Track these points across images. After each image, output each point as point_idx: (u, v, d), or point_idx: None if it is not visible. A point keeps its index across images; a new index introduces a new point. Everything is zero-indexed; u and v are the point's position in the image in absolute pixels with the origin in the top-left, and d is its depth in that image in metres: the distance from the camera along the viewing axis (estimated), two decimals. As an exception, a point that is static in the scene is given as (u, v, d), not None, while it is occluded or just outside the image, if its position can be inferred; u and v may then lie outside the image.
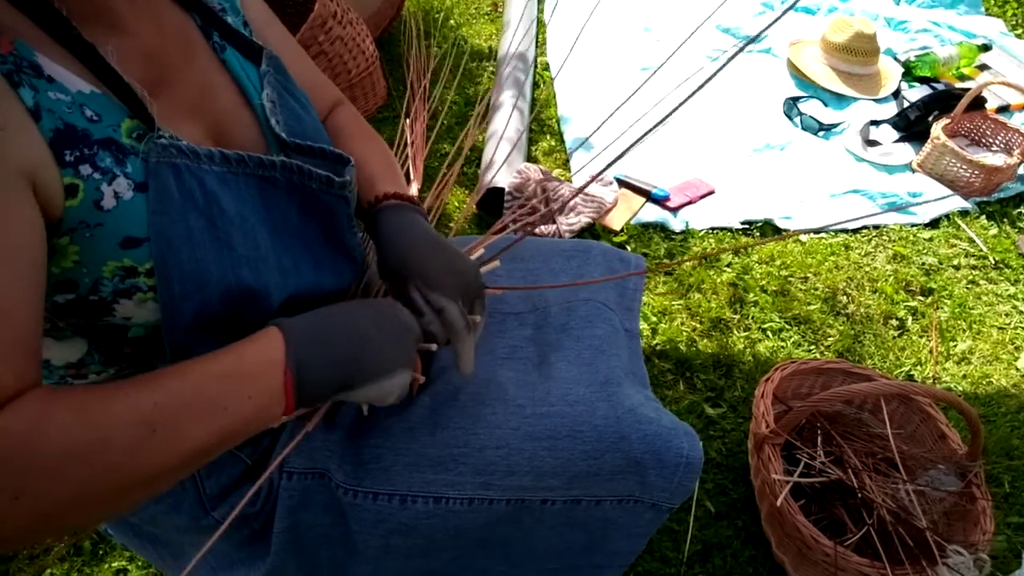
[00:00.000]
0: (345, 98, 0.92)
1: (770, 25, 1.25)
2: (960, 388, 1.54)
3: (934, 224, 1.91)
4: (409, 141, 2.03)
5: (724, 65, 0.71)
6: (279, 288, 0.65)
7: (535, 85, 2.34)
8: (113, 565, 1.18)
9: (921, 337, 1.63)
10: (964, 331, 1.64)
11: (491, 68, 2.41)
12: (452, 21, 2.66)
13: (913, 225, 1.90)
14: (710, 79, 1.09)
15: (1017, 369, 1.57)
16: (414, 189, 1.90)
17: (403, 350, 0.64)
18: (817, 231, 1.89)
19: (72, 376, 0.65)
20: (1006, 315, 1.69)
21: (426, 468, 0.74)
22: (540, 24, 2.64)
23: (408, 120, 2.08)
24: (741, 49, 0.69)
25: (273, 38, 0.80)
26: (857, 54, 2.32)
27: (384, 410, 0.77)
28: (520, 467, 0.74)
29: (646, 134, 1.24)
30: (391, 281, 0.74)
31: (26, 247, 0.50)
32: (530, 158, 2.06)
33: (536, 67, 2.43)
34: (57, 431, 0.48)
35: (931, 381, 1.55)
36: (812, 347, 1.61)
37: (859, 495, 1.21)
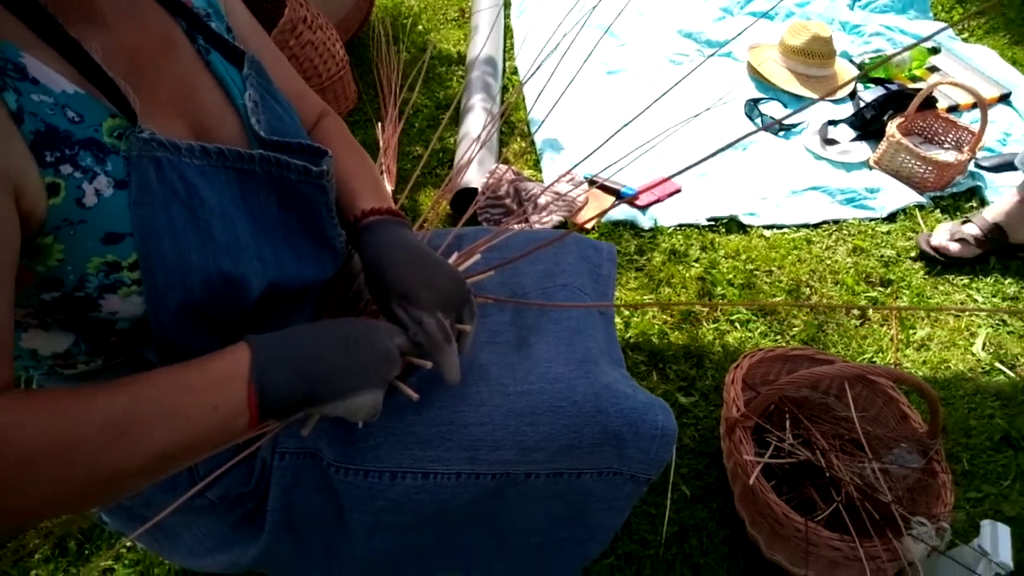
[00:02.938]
0: (331, 109, 0.94)
1: (739, 34, 1.31)
2: (920, 373, 1.60)
3: (891, 218, 1.98)
4: (381, 144, 2.06)
5: (693, 70, 0.76)
6: (259, 277, 0.67)
7: (504, 89, 2.38)
8: (100, 564, 1.18)
9: (882, 326, 1.69)
10: (922, 319, 1.71)
11: (460, 72, 2.44)
12: (420, 27, 2.69)
13: (871, 219, 1.97)
14: (677, 83, 1.14)
15: (973, 354, 1.64)
16: (388, 190, 1.93)
17: (374, 371, 0.65)
18: (780, 226, 1.95)
19: (60, 366, 0.66)
20: (961, 303, 1.76)
21: (414, 445, 0.76)
22: (508, 30, 2.68)
23: (380, 123, 2.11)
24: (711, 55, 0.72)
25: (256, 45, 0.82)
26: (814, 57, 2.40)
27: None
28: (504, 442, 0.77)
29: (615, 133, 1.29)
30: (376, 299, 0.76)
31: (3, 250, 0.52)
32: (501, 160, 2.10)
33: (505, 71, 2.47)
34: (31, 431, 0.50)
35: (893, 367, 1.61)
36: (778, 337, 1.66)
37: (827, 474, 1.26)
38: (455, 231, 1.01)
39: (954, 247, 1.81)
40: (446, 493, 0.77)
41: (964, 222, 1.84)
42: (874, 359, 1.62)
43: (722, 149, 0.71)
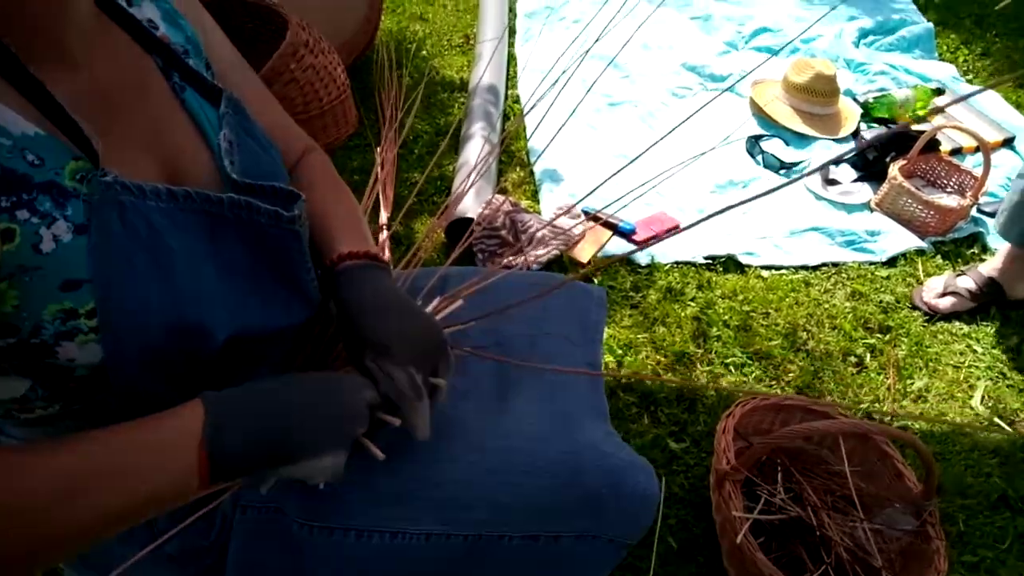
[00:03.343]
0: (317, 145, 0.92)
1: (748, 73, 1.29)
2: (916, 426, 1.57)
3: (891, 263, 1.96)
4: (379, 170, 2.03)
5: (699, 109, 0.72)
6: (223, 325, 0.65)
7: (505, 117, 2.37)
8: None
9: (879, 374, 1.66)
10: (920, 369, 1.68)
11: (462, 99, 2.43)
12: (424, 52, 2.68)
13: (871, 263, 1.95)
14: (682, 123, 1.12)
15: (971, 408, 1.61)
16: (383, 217, 1.91)
17: (336, 432, 0.63)
18: (778, 267, 1.92)
19: (17, 410, 0.64)
20: (960, 354, 1.73)
21: (382, 503, 0.73)
22: (511, 58, 2.68)
23: (379, 149, 2.09)
24: (718, 94, 0.70)
25: (239, 81, 0.80)
26: (818, 95, 2.39)
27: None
28: (477, 502, 0.74)
29: (619, 170, 1.26)
30: (347, 349, 0.73)
31: None
32: (500, 189, 2.08)
33: (507, 99, 2.46)
34: None
35: (889, 418, 1.58)
36: (773, 382, 1.63)
37: (818, 533, 1.22)
38: (441, 271, 0.98)
39: (945, 303, 1.79)
40: (415, 554, 0.74)
41: (959, 274, 1.81)
42: (870, 408, 1.59)
43: (732, 206, 0.68)
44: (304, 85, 1.97)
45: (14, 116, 0.54)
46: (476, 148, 2.01)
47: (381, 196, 1.92)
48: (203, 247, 0.65)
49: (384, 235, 1.83)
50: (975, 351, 1.74)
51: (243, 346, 0.69)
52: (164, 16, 0.70)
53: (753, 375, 1.64)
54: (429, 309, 0.87)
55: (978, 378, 1.67)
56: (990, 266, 1.78)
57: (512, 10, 2.97)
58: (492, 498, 0.74)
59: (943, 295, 1.79)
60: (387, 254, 1.76)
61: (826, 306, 1.82)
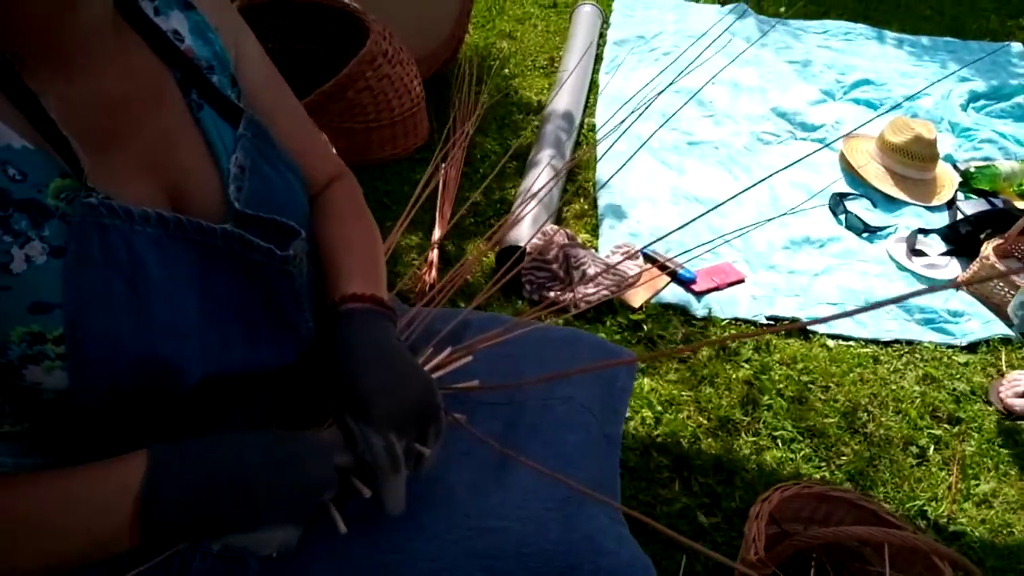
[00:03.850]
0: (348, 172, 0.88)
1: (844, 135, 1.19)
2: (976, 534, 1.42)
3: (972, 348, 1.80)
4: (440, 186, 2.01)
5: (787, 166, 0.63)
6: (198, 363, 0.60)
7: (577, 145, 2.31)
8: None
9: (941, 470, 1.52)
10: (989, 471, 1.53)
11: (537, 122, 2.38)
12: (507, 71, 2.65)
13: (949, 346, 1.80)
14: (765, 179, 1.03)
15: (1040, 519, 1.45)
16: (436, 235, 1.87)
17: (288, 507, 0.58)
18: (846, 338, 1.80)
19: None
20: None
21: (352, 571, 0.68)
22: (593, 85, 2.62)
23: (444, 165, 2.06)
24: (814, 150, 0.63)
25: (271, 100, 0.76)
26: (914, 158, 2.24)
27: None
28: None
29: (690, 222, 1.18)
30: (332, 400, 0.68)
31: None
32: (560, 220, 2.02)
33: (583, 127, 2.40)
34: None
35: (945, 521, 1.44)
36: (823, 464, 1.51)
37: (846, 644, 1.11)
38: (461, 315, 0.93)
39: (1022, 404, 1.62)
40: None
41: None
42: (926, 507, 1.45)
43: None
44: (378, 94, 1.96)
45: (1, 127, 0.51)
46: (540, 175, 1.96)
47: (438, 213, 1.90)
48: (189, 278, 0.61)
49: (433, 253, 1.80)
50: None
51: (224, 385, 0.66)
52: (192, 28, 0.67)
53: (802, 453, 1.52)
54: (439, 359, 0.81)
55: (1052, 485, 1.52)
56: None
57: (603, 35, 2.91)
58: (472, 582, 0.68)
59: (1022, 395, 1.63)
60: (433, 273, 1.73)
61: (893, 387, 1.68)
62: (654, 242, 1.08)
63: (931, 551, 1.04)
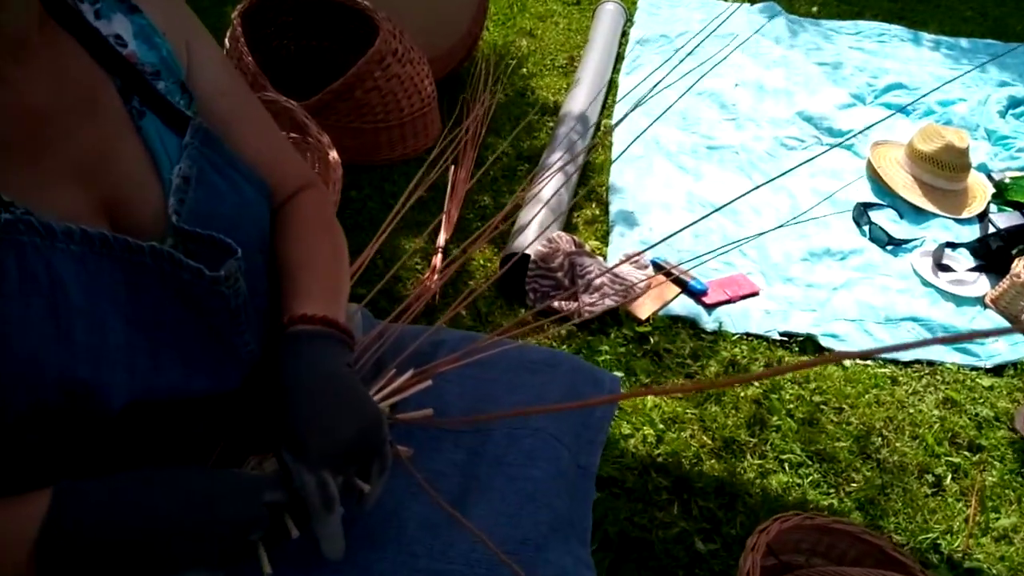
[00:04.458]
0: (318, 181, 0.83)
1: (867, 127, 1.10)
2: (994, 571, 1.34)
3: (998, 371, 1.71)
4: (448, 188, 1.97)
5: (804, 160, 0.58)
6: (123, 387, 0.57)
7: (593, 148, 2.25)
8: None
9: (958, 501, 1.44)
10: (1011, 504, 1.45)
11: (552, 123, 2.33)
12: (524, 70, 2.60)
13: (973, 368, 1.71)
14: (778, 176, 0.97)
15: (1067, 558, 1.37)
16: (441, 239, 1.84)
17: (205, 547, 0.55)
18: (864, 356, 1.72)
19: None
20: (1066, 494, 1.48)
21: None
22: (613, 85, 2.55)
23: (454, 166, 2.02)
24: (830, 146, 0.58)
25: (228, 107, 0.72)
26: (945, 167, 2.14)
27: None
28: None
29: (699, 220, 1.12)
30: (272, 431, 0.65)
31: None
32: (569, 226, 1.96)
33: (599, 130, 2.34)
34: None
35: (961, 556, 1.36)
36: (831, 491, 1.44)
37: None
38: (431, 331, 0.88)
39: None
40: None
41: None
42: (939, 541, 1.38)
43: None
44: (386, 94, 1.92)
45: None
46: (549, 179, 1.91)
47: (444, 217, 1.85)
48: (115, 298, 0.57)
49: (437, 258, 1.76)
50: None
51: (159, 411, 0.62)
52: (137, 32, 0.63)
53: (810, 478, 1.45)
54: (399, 381, 0.77)
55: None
56: None
57: (625, 34, 2.84)
58: (418, 626, 0.64)
59: None
60: (435, 277, 1.69)
61: (910, 410, 1.60)
62: (655, 244, 1.01)
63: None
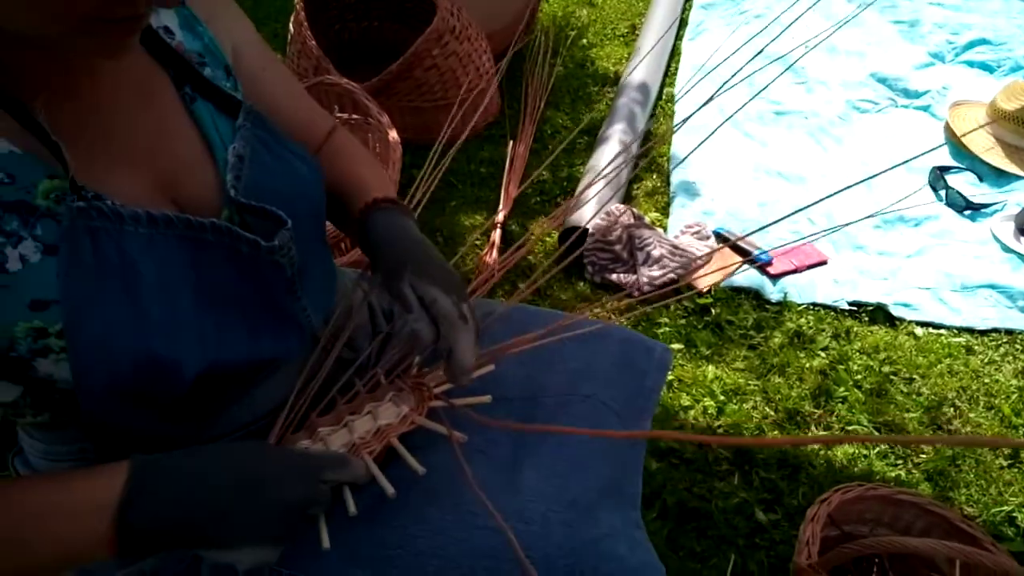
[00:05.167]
0: (339, 123, 0.91)
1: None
2: (1073, 546, 1.30)
3: (1085, 339, 1.63)
4: (507, 164, 1.98)
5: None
6: (196, 358, 0.61)
7: (654, 117, 2.22)
8: None
9: (1037, 474, 1.39)
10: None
11: (613, 94, 2.31)
12: (584, 41, 2.58)
13: (1057, 336, 1.64)
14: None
15: None
16: (500, 216, 1.86)
17: (267, 526, 0.58)
18: (937, 325, 1.66)
19: (12, 415, 0.65)
20: None
21: (362, 563, 0.68)
22: (676, 52, 2.51)
23: (512, 142, 2.04)
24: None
25: (265, 82, 0.77)
26: (1030, 126, 2.03)
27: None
28: None
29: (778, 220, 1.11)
30: (385, 279, 0.72)
31: None
32: (629, 197, 1.95)
33: (662, 98, 2.31)
34: None
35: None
36: (899, 462, 1.41)
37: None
38: (500, 309, 0.90)
39: None
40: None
41: None
42: (1015, 514, 1.33)
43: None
44: (445, 72, 1.95)
45: None
46: (609, 151, 1.90)
47: (503, 192, 1.87)
48: (183, 274, 0.62)
49: (496, 233, 1.78)
50: None
51: (224, 377, 0.67)
52: (182, 23, 0.67)
53: (876, 450, 1.42)
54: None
55: None
56: None
57: None
58: (473, 582, 0.67)
59: None
60: (494, 254, 1.71)
61: (986, 380, 1.55)
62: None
63: (994, 567, 0.95)
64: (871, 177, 0.97)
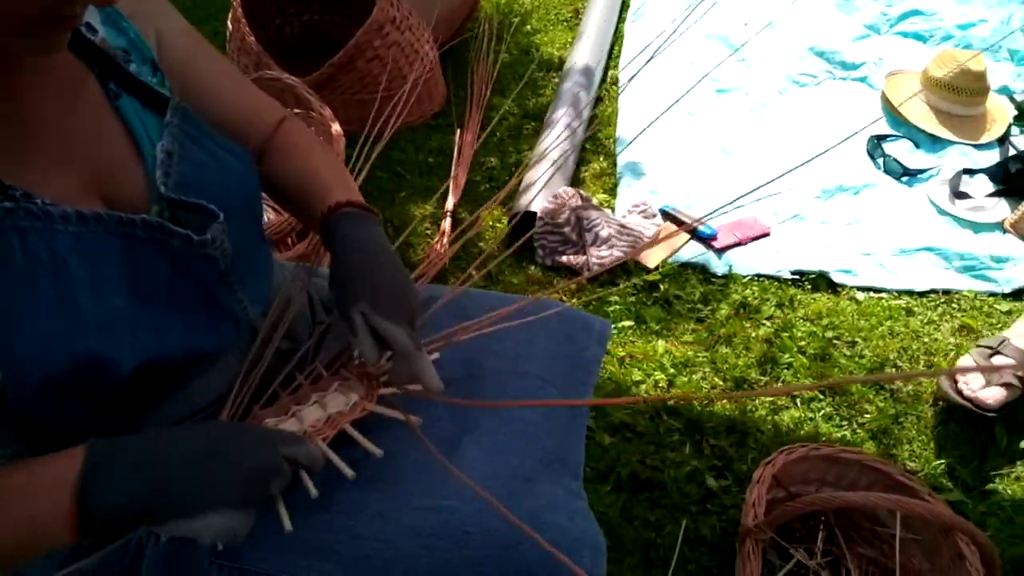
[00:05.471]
0: (290, 113, 0.89)
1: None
2: (1009, 492, 1.35)
3: (1017, 296, 1.69)
4: (455, 152, 1.99)
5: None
6: (132, 353, 0.62)
7: (599, 100, 2.25)
8: None
9: (973, 427, 1.45)
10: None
11: (558, 79, 2.32)
12: (528, 26, 2.59)
13: (991, 294, 1.70)
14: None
15: (1086, 481, 1.37)
16: (450, 204, 1.87)
17: (233, 491, 0.60)
18: (878, 289, 1.71)
19: None
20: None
21: (298, 551, 0.70)
22: (619, 35, 2.53)
23: (459, 130, 2.04)
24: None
25: (199, 70, 0.77)
26: (961, 93, 2.09)
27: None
28: (395, 565, 0.69)
29: (735, 200, 1.13)
30: (338, 299, 0.73)
31: None
32: (577, 180, 1.98)
33: (606, 81, 2.33)
34: None
35: (975, 480, 1.37)
36: (844, 423, 1.46)
37: (848, 610, 1.08)
38: (446, 294, 0.92)
39: (993, 396, 1.40)
40: (326, 609, 0.70)
41: (992, 353, 1.46)
42: (955, 466, 1.39)
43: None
44: (387, 62, 1.94)
45: None
46: (555, 136, 1.92)
47: (452, 181, 1.88)
48: (115, 271, 0.62)
49: (446, 222, 1.79)
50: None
51: (161, 373, 0.67)
52: (104, 19, 0.67)
53: (822, 412, 1.47)
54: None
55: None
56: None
57: (631, -19, 2.80)
58: (410, 563, 0.69)
59: (986, 389, 1.42)
60: (445, 242, 1.73)
61: (926, 340, 1.60)
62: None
63: (934, 518, 1.00)
64: (816, 157, 1.01)
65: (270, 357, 0.77)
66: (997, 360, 1.45)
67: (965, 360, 1.50)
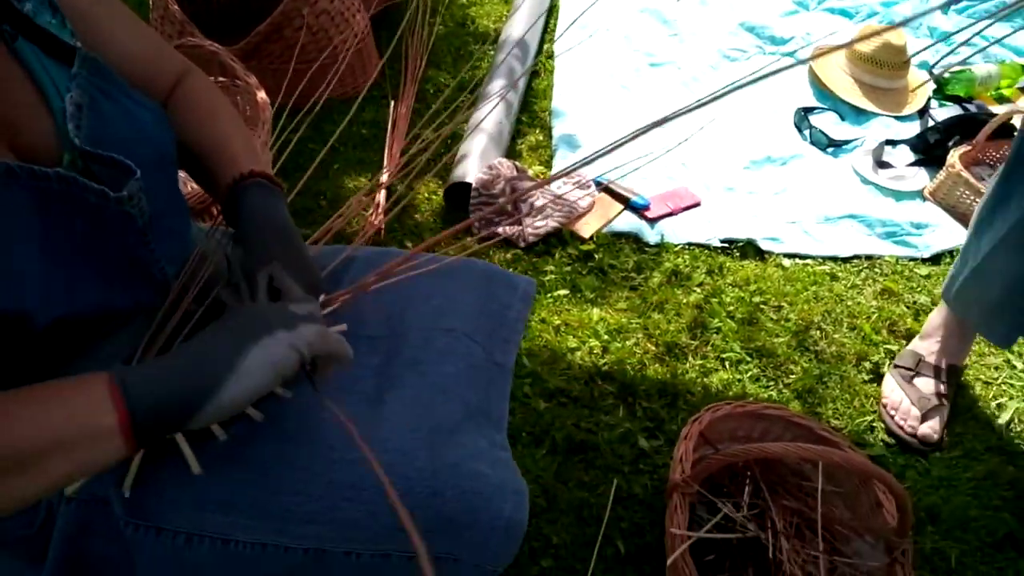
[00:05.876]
0: (195, 67, 0.87)
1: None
2: (925, 445, 1.41)
3: (935, 260, 1.77)
4: (390, 125, 1.97)
5: (753, 79, 0.56)
6: (44, 309, 0.59)
7: (535, 74, 2.25)
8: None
9: (894, 385, 1.51)
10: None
11: (493, 52, 2.31)
12: (463, -1, 2.57)
13: (911, 259, 1.76)
14: (721, 94, 0.99)
15: (994, 430, 1.44)
16: (384, 177, 1.85)
17: (258, 325, 0.59)
18: (803, 256, 1.76)
19: None
20: (995, 368, 1.55)
21: (215, 507, 0.68)
22: (553, 8, 2.53)
23: (393, 103, 2.02)
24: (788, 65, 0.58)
25: (102, 14, 0.74)
26: (883, 66, 2.16)
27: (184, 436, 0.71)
28: (318, 516, 0.69)
29: (633, 136, 1.14)
30: (245, 259, 0.72)
31: None
32: (513, 153, 1.98)
33: (541, 54, 2.33)
34: None
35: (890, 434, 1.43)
36: (771, 383, 1.50)
37: (772, 560, 1.12)
38: (347, 251, 0.91)
39: (931, 427, 1.40)
40: (251, 563, 0.69)
41: (913, 376, 1.45)
42: (875, 423, 1.44)
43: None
44: (317, 31, 1.91)
45: None
46: (489, 108, 1.91)
47: (386, 153, 1.86)
48: (27, 224, 0.59)
49: (380, 195, 1.77)
50: (1014, 366, 1.56)
51: (76, 328, 0.65)
52: None
53: (749, 374, 1.51)
54: (321, 300, 0.80)
55: (1011, 397, 1.50)
56: (942, 352, 1.46)
57: (566, -44, 2.80)
58: (333, 513, 0.68)
59: (923, 418, 1.41)
60: (380, 215, 1.71)
61: (849, 303, 1.66)
62: (592, 158, 1.02)
63: (848, 465, 1.03)
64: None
65: (179, 316, 0.75)
66: (919, 383, 1.44)
67: (888, 383, 1.47)
